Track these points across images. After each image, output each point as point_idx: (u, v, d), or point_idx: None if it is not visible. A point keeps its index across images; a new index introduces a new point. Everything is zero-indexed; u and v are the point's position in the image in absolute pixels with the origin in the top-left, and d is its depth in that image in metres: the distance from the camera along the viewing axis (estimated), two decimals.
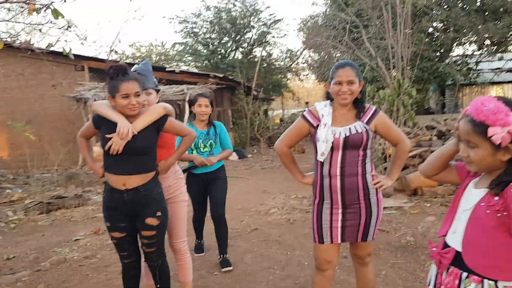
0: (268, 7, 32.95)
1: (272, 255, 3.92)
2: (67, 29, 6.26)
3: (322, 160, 2.18)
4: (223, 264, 3.58)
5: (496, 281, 1.27)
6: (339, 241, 2.25)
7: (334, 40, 12.83)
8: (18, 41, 7.54)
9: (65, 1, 4.66)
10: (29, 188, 8.56)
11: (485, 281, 1.27)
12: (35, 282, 3.51)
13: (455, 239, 1.38)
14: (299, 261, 3.74)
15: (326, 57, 15.04)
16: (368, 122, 2.18)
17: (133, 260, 2.39)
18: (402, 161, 2.35)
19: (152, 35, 65.39)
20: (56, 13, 3.82)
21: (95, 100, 9.98)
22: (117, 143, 2.13)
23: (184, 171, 3.29)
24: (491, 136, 1.23)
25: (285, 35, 37.90)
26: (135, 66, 2.58)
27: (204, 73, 13.44)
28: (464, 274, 1.31)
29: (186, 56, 23.16)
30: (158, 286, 2.40)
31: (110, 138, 2.16)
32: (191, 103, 3.57)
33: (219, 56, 21.99)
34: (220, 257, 3.66)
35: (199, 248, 4.02)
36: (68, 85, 10.83)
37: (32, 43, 8.24)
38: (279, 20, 22.36)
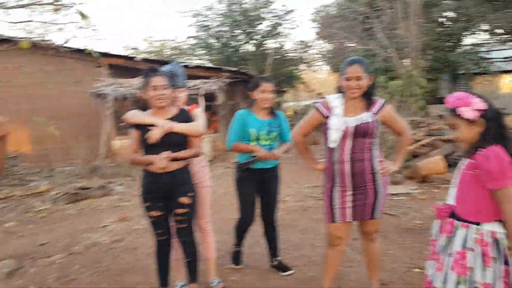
0: None
1: (286, 238, 4.18)
2: (87, 28, 6.59)
3: (333, 147, 2.42)
4: (282, 269, 3.35)
5: (479, 224, 1.70)
6: (350, 219, 2.51)
7: (347, 31, 12.92)
8: (37, 39, 7.88)
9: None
10: (54, 180, 8.98)
11: (471, 225, 1.72)
12: (70, 264, 3.84)
13: (451, 199, 1.86)
14: (312, 243, 4.00)
15: (339, 47, 15.11)
16: (376, 113, 2.43)
17: (167, 238, 2.73)
18: (405, 149, 2.66)
19: (167, 31, 65.91)
20: (83, 16, 4.12)
21: (114, 95, 10.32)
22: (155, 134, 2.52)
23: (242, 165, 3.05)
24: (462, 114, 1.69)
25: (297, 26, 37.72)
26: (167, 66, 2.88)
27: (217, 67, 13.66)
28: (457, 222, 1.76)
29: (198, 49, 23.36)
30: (189, 260, 2.73)
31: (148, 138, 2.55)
32: (251, 88, 3.07)
33: (231, 49, 22.15)
34: (274, 260, 3.41)
35: (237, 258, 3.48)
36: (88, 81, 11.19)
37: (52, 41, 8.61)
38: (290, 11, 22.37)
